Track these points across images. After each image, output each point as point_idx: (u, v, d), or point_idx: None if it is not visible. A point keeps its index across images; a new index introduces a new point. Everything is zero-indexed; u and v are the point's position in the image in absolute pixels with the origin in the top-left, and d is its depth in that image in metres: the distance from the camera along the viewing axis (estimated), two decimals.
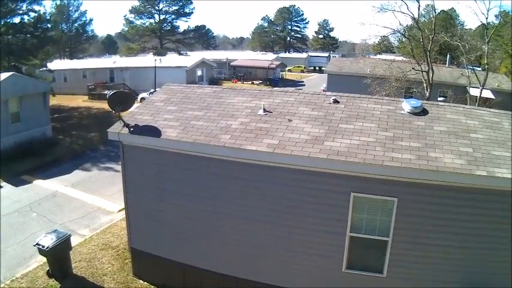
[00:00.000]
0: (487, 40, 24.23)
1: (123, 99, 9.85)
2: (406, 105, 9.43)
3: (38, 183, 19.02)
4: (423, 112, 9.29)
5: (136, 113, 10.21)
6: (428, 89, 25.07)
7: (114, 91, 9.96)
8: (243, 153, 8.31)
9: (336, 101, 9.77)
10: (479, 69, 28.07)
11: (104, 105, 38.50)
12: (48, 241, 10.43)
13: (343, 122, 8.94)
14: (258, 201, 8.74)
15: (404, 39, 35.92)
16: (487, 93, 25.79)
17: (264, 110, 9.54)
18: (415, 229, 7.92)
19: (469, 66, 27.65)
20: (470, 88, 25.57)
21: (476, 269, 7.89)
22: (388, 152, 7.85)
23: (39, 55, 35.37)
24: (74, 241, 12.97)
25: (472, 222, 7.65)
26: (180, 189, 9.48)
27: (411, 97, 29.64)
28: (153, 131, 9.28)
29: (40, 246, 10.38)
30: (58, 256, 10.69)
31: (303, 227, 8.54)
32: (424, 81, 25.31)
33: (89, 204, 16.58)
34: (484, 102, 25.04)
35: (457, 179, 7.35)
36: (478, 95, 24.54)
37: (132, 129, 9.49)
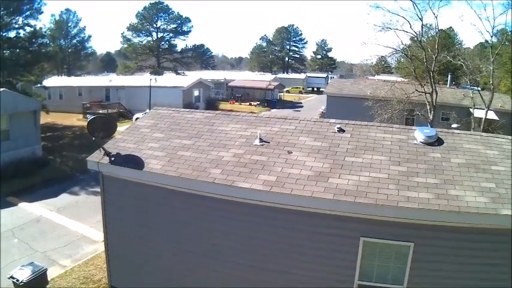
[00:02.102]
0: (492, 59, 23.46)
1: (104, 124, 8.88)
2: (419, 134, 8.51)
3: (23, 206, 18.24)
4: (438, 142, 8.39)
5: (119, 140, 9.25)
6: (432, 111, 24.24)
7: (94, 116, 8.98)
8: (235, 191, 7.31)
9: (341, 130, 8.79)
10: (478, 89, 27.35)
11: None
12: (23, 275, 9.84)
13: (350, 154, 7.95)
14: (252, 245, 7.74)
15: (403, 59, 35.40)
16: (491, 115, 25.00)
17: (261, 140, 8.56)
18: (433, 276, 6.97)
19: (469, 87, 26.97)
20: (475, 109, 24.79)
21: None
22: (403, 190, 6.89)
23: (34, 71, 34.69)
24: (54, 272, 12.20)
25: (496, 266, 6.73)
26: (164, 227, 8.52)
27: (412, 120, 29.10)
28: (135, 162, 8.30)
29: (14, 280, 9.79)
30: None
31: (304, 275, 7.51)
32: (427, 103, 24.51)
33: (73, 232, 15.66)
34: (489, 124, 24.25)
35: (481, 220, 6.47)
36: (484, 116, 23.75)
37: (113, 158, 8.54)
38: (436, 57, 24.68)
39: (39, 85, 36.09)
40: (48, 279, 10.35)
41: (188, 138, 9.05)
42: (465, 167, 7.51)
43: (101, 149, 8.61)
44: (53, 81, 49.46)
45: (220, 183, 7.36)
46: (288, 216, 7.25)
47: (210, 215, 7.91)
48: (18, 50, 33.60)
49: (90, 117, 8.89)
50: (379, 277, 7.25)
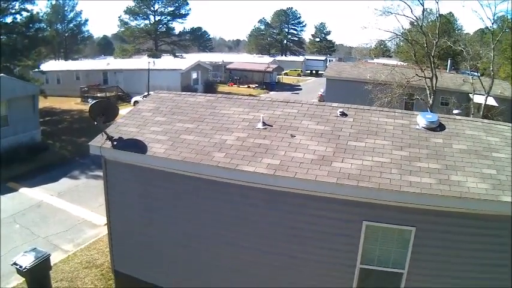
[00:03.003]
0: (492, 46, 23.32)
1: (106, 109, 8.81)
2: (422, 119, 8.49)
3: (24, 191, 18.20)
4: (440, 127, 8.37)
5: (121, 124, 9.19)
6: (432, 96, 24.17)
7: (96, 100, 8.90)
8: (239, 174, 7.28)
9: (343, 114, 8.76)
10: (478, 74, 27.24)
11: None
12: (27, 261, 9.64)
13: (353, 138, 7.93)
14: (255, 228, 7.77)
15: (403, 43, 35.13)
16: (490, 101, 24.94)
17: (263, 124, 8.52)
18: (433, 260, 7.01)
19: (469, 72, 26.84)
20: (474, 95, 24.73)
21: None
22: (405, 175, 6.89)
23: (32, 56, 34.39)
24: (57, 257, 12.25)
25: (497, 252, 6.76)
26: (168, 212, 8.50)
27: (412, 104, 29.02)
28: (138, 146, 8.26)
29: (18, 266, 9.62)
30: (37, 277, 9.84)
31: (306, 258, 7.57)
32: (427, 88, 24.41)
33: (75, 217, 15.71)
34: (488, 110, 24.22)
35: (482, 206, 6.46)
36: (483, 102, 23.70)
37: (115, 143, 8.48)
38: (436, 42, 24.49)
39: (36, 70, 35.85)
40: (51, 263, 10.35)
41: (191, 121, 9.01)
42: (467, 153, 7.51)
43: (102, 133, 8.56)
44: (50, 65, 48.96)
45: (224, 166, 7.33)
46: (291, 200, 7.25)
47: (213, 198, 7.90)
48: (15, 35, 33.21)
49: (91, 101, 8.80)
50: (380, 261, 7.29)
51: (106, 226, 14.12)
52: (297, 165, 7.17)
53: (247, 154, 7.59)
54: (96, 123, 8.45)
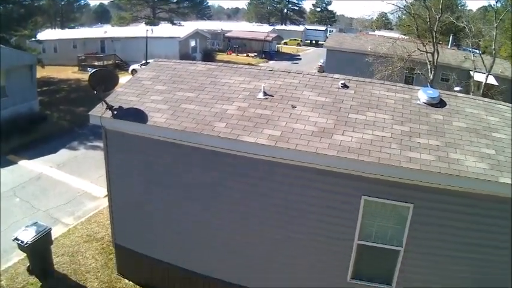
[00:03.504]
0: (495, 25, 22.98)
1: (106, 78, 8.69)
2: (423, 94, 8.42)
3: (23, 163, 18.07)
4: (440, 104, 8.31)
5: (120, 93, 9.09)
6: (432, 72, 24.00)
7: (96, 69, 8.76)
8: (240, 145, 7.25)
9: (344, 86, 8.70)
10: (478, 52, 26.96)
11: None
12: (28, 236, 9.61)
13: (354, 111, 7.90)
14: (255, 200, 7.80)
15: (405, 16, 34.58)
16: (491, 80, 24.78)
17: (264, 94, 8.44)
18: (431, 238, 7.03)
19: (470, 49, 26.55)
20: (475, 73, 24.55)
21: (497, 284, 7.05)
22: (405, 150, 6.88)
23: (28, 25, 33.84)
24: (58, 231, 12.24)
25: (495, 233, 6.79)
26: (168, 182, 8.50)
27: (412, 78, 28.80)
28: (138, 116, 8.19)
29: (19, 242, 9.58)
30: (38, 252, 9.86)
31: (304, 232, 7.64)
32: (428, 63, 24.21)
33: (74, 189, 15.68)
34: (488, 89, 24.11)
35: (481, 186, 6.45)
36: (484, 81, 23.58)
37: (115, 112, 8.39)
38: (439, 17, 24.11)
39: (33, 39, 35.39)
40: (52, 238, 10.41)
41: (191, 90, 8.91)
42: (466, 131, 7.47)
43: (102, 102, 8.48)
44: (46, 34, 48.21)
45: (225, 137, 7.29)
46: (290, 172, 7.25)
47: (214, 169, 7.90)
48: (11, 5, 32.54)
49: (90, 70, 8.64)
50: (378, 237, 7.32)
51: (106, 198, 14.19)
52: (298, 137, 7.15)
53: (248, 124, 7.54)
54: (96, 92, 8.35)
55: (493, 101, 9.01)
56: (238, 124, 7.59)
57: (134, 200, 9.05)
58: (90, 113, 8.59)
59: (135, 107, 8.49)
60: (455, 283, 7.18)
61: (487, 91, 23.80)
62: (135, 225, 9.37)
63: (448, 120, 7.79)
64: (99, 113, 8.45)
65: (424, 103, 8.26)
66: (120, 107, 8.53)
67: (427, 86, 23.56)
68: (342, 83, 8.72)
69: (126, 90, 9.19)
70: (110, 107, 8.43)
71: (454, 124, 7.67)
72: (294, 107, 8.03)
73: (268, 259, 8.19)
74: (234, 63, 47.83)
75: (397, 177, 6.69)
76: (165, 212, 8.84)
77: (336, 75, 9.26)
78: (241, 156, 7.45)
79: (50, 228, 10.12)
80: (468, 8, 54.37)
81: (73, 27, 74.43)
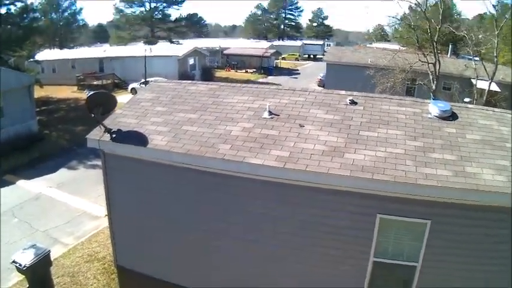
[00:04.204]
0: (496, 32, 22.85)
1: (104, 100, 8.35)
2: (434, 108, 8.13)
3: (21, 184, 17.85)
4: (452, 116, 8.04)
5: (119, 115, 8.77)
6: (435, 82, 23.79)
7: (94, 91, 8.41)
8: (246, 167, 6.89)
9: (353, 102, 8.37)
10: (478, 59, 26.85)
11: None
12: (26, 259, 9.18)
13: (365, 128, 7.56)
14: (264, 222, 7.42)
15: (401, 28, 34.60)
16: (493, 86, 24.59)
17: (270, 113, 8.11)
18: (448, 254, 6.75)
19: (468, 57, 26.40)
20: (478, 81, 24.34)
21: None
22: (421, 167, 6.57)
23: (26, 46, 33.97)
24: (57, 251, 12.03)
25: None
26: (171, 205, 8.13)
27: (413, 89, 28.64)
28: (138, 139, 7.84)
29: (17, 264, 9.15)
30: (37, 275, 9.42)
31: (318, 252, 7.28)
32: (430, 73, 24.02)
33: (74, 208, 15.40)
34: (491, 96, 23.89)
35: (499, 199, 6.18)
36: (487, 88, 23.37)
37: (114, 135, 8.05)
38: (439, 27, 24.01)
39: (31, 60, 35.46)
40: (52, 258, 10.00)
41: (193, 111, 8.58)
42: (480, 144, 7.21)
43: (101, 125, 8.14)
44: (45, 54, 48.51)
45: (231, 159, 6.94)
46: (301, 193, 6.90)
47: (219, 192, 7.54)
48: (9, 26, 32.69)
49: (88, 92, 8.31)
50: (394, 254, 7.04)
51: (106, 217, 13.98)
52: (308, 157, 6.79)
53: (254, 146, 7.19)
54: (93, 115, 8.01)
55: (503, 110, 8.80)
56: (243, 145, 7.23)
57: (134, 222, 8.70)
58: (88, 136, 8.25)
59: (134, 129, 8.15)
60: None
61: (490, 98, 23.61)
62: (137, 247, 9.02)
63: (461, 133, 7.55)
64: (97, 136, 8.11)
65: (436, 116, 8.00)
66: (119, 129, 8.19)
67: (431, 96, 23.57)
68: (350, 100, 8.39)
69: (125, 112, 8.86)
70: (108, 130, 8.08)
71: (467, 137, 7.44)
72: (301, 126, 7.68)
73: (281, 279, 7.79)
74: (234, 79, 48.08)
75: (414, 195, 6.41)
76: (167, 234, 8.48)
77: (343, 92, 8.94)
78: (248, 179, 7.08)
79: (49, 250, 9.73)
80: (464, 17, 54.52)
81: (72, 48, 74.97)
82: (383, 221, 6.78)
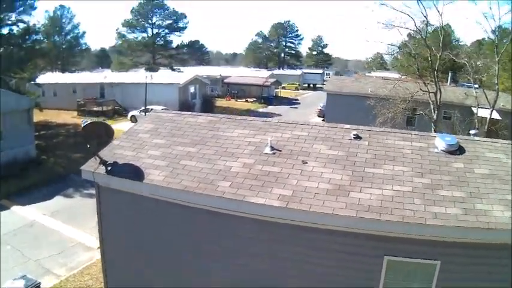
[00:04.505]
0: (497, 59, 22.83)
1: (101, 130, 8.12)
2: (440, 142, 7.91)
3: (16, 209, 17.55)
4: (459, 150, 7.80)
5: (116, 147, 8.51)
6: (436, 111, 23.64)
7: (90, 121, 8.19)
8: (247, 206, 6.57)
9: (357, 137, 8.12)
10: (476, 87, 26.80)
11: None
12: None
13: (370, 165, 7.28)
14: (264, 264, 7.04)
15: (400, 56, 34.74)
16: (494, 114, 24.40)
17: (272, 148, 7.84)
18: None
19: (467, 84, 26.33)
20: (479, 109, 24.18)
21: None
22: (429, 205, 6.30)
23: (28, 68, 33.82)
24: (48, 283, 11.73)
25: None
26: (168, 245, 7.77)
27: (414, 119, 28.48)
28: (134, 172, 7.56)
29: None
30: None
31: None
32: (431, 103, 23.89)
33: (68, 238, 15.01)
34: (492, 124, 23.69)
35: (506, 236, 5.92)
36: (488, 116, 23.20)
37: (109, 168, 7.77)
38: (440, 55, 24.03)
39: (32, 82, 35.30)
40: None
41: (192, 145, 8.33)
42: (489, 178, 6.98)
43: (96, 157, 7.87)
44: (47, 77, 48.26)
45: (230, 198, 6.62)
46: (305, 234, 6.57)
47: (217, 231, 7.20)
48: (11, 47, 32.66)
49: (84, 122, 8.09)
50: None
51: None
52: (312, 196, 6.49)
53: (255, 183, 6.89)
54: (88, 146, 7.75)
55: (509, 141, 8.54)
56: (244, 183, 6.93)
57: (129, 258, 8.33)
58: (82, 167, 8.00)
59: (131, 162, 7.89)
60: None
61: (492, 126, 23.40)
62: (130, 283, 8.61)
63: (469, 168, 7.32)
64: (92, 168, 7.85)
65: (443, 151, 7.78)
66: (115, 162, 7.93)
67: (432, 126, 23.39)
68: (354, 134, 8.14)
69: (122, 143, 8.61)
70: (103, 162, 7.80)
71: (476, 172, 7.22)
72: (304, 162, 7.40)
73: None
74: (234, 109, 47.90)
75: (423, 235, 6.14)
76: (163, 271, 8.07)
77: (347, 126, 8.69)
78: (247, 218, 6.75)
79: (39, 283, 9.73)
80: (463, 43, 55.01)
81: (74, 71, 75.20)
82: (391, 263, 6.45)
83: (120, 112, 41.96)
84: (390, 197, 6.44)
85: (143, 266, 8.20)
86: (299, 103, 59.21)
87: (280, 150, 7.85)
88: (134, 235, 8.07)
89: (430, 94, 23.61)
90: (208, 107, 44.66)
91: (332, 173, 7.07)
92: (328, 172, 7.09)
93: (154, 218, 7.75)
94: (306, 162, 7.39)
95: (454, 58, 26.28)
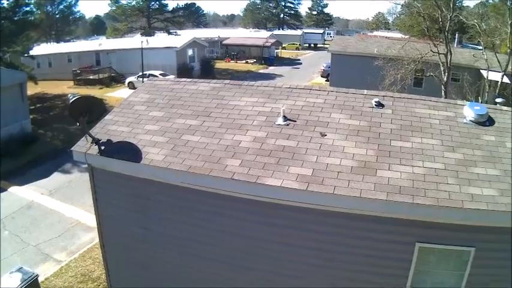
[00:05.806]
0: (510, 22, 21.52)
1: (90, 106, 7.20)
2: (469, 111, 7.06)
3: (13, 190, 16.97)
4: (489, 121, 6.98)
5: (109, 122, 7.65)
6: (446, 73, 22.58)
7: (77, 96, 7.20)
8: (261, 189, 5.74)
9: (379, 105, 7.21)
10: (481, 48, 25.60)
11: (90, 91, 35.88)
12: (13, 284, 8.67)
13: (397, 137, 6.43)
14: (280, 252, 6.33)
15: (404, 16, 33.33)
16: (504, 79, 23.32)
17: (285, 118, 6.93)
18: (493, 280, 5.83)
19: (473, 46, 25.11)
20: (489, 72, 23.09)
21: None
22: (464, 185, 5.54)
23: (21, 41, 32.62)
24: (49, 269, 11.37)
25: None
26: (170, 231, 7.04)
27: (422, 80, 27.38)
28: (130, 152, 6.71)
29: None
30: None
31: (347, 286, 6.21)
32: (441, 65, 22.78)
33: (67, 218, 14.51)
34: (504, 88, 22.70)
35: None
36: (499, 80, 22.17)
37: (103, 147, 6.94)
38: (451, 16, 22.72)
39: (26, 55, 34.23)
40: (43, 278, 9.43)
41: (194, 116, 7.42)
42: None
43: (86, 136, 7.02)
44: (41, 49, 47.09)
45: (241, 179, 5.79)
46: (327, 219, 5.80)
47: (226, 215, 6.45)
48: (2, 21, 31.31)
49: (71, 97, 7.13)
50: (434, 284, 6.09)
51: None
52: (335, 176, 5.66)
53: (269, 161, 6.04)
54: (78, 124, 6.88)
55: None
56: (256, 161, 6.07)
57: (128, 243, 7.66)
58: (73, 148, 7.18)
59: (126, 140, 7.04)
60: None
61: (503, 91, 22.42)
62: (131, 268, 8.04)
63: (501, 141, 6.53)
64: (83, 148, 7.01)
65: (472, 121, 6.95)
66: (108, 140, 7.09)
67: (442, 89, 22.41)
68: (376, 101, 7.22)
69: (116, 118, 7.73)
70: (96, 141, 6.97)
71: (507, 146, 6.43)
72: (323, 135, 6.52)
73: None
74: (234, 70, 46.68)
75: (458, 220, 5.41)
76: (161, 256, 7.45)
77: (365, 91, 7.76)
78: (261, 202, 5.97)
79: (37, 275, 9.17)
80: (466, 5, 52.93)
81: (68, 41, 73.55)
82: (422, 249, 5.75)
83: (117, 79, 41.06)
84: (422, 176, 5.65)
85: (145, 251, 7.56)
86: (301, 63, 57.88)
87: (295, 121, 6.94)
88: (134, 221, 7.34)
89: (440, 55, 22.49)
90: (207, 69, 43.57)
91: (355, 147, 6.22)
92: (350, 146, 6.24)
93: (155, 202, 7.00)
94: (325, 135, 6.52)
95: (464, 19, 24.97)
